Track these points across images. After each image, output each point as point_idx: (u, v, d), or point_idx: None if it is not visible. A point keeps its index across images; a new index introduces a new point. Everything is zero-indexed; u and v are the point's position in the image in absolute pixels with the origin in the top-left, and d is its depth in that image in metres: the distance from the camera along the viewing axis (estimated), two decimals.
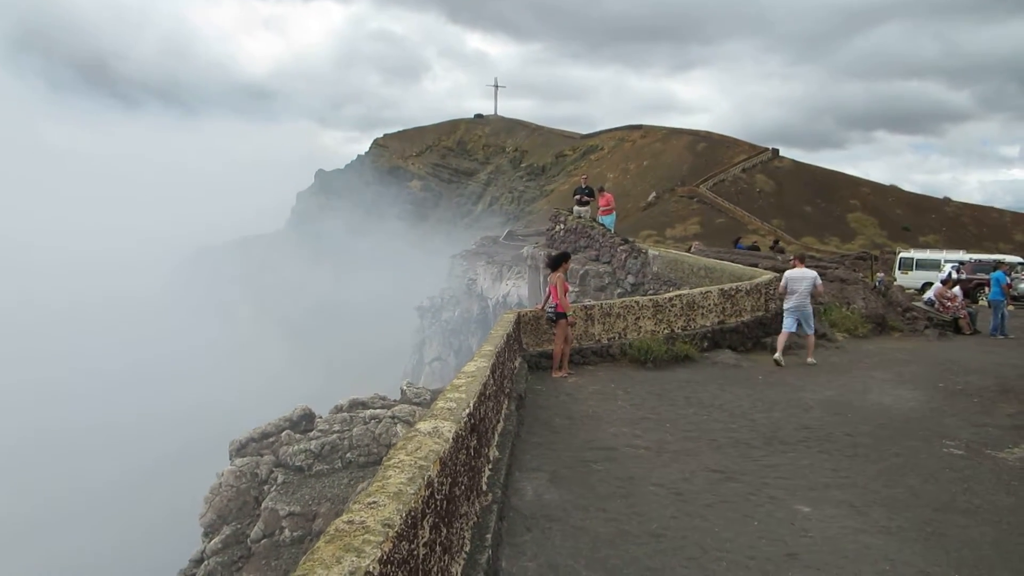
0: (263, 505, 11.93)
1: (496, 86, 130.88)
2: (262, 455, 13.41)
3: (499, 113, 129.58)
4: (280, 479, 12.38)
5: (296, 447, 12.93)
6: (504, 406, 7.72)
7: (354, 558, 2.34)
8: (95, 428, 52.76)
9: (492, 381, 6.24)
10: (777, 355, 12.62)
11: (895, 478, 6.72)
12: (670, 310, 12.95)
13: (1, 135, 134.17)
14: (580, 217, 25.77)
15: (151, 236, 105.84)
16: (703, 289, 13.92)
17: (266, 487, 12.40)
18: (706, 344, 13.00)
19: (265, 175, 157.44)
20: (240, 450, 13.87)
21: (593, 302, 14.43)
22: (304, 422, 14.28)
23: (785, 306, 12.95)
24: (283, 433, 13.60)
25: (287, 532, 11.30)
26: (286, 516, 11.40)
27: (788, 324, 12.91)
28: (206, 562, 11.90)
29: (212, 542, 12.17)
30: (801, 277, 12.88)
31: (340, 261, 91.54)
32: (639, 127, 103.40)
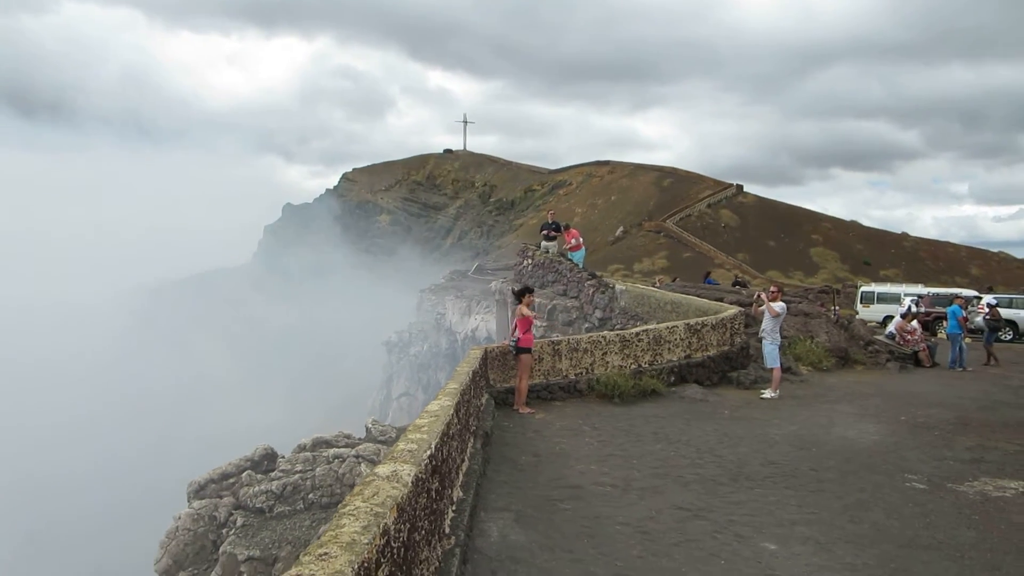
0: (221, 549, 11.52)
1: (465, 122, 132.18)
2: (221, 497, 12.99)
3: (467, 148, 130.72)
4: (240, 522, 11.98)
5: (257, 488, 12.56)
6: (469, 444, 7.60)
7: None
8: (52, 473, 50.87)
9: (456, 420, 6.14)
10: (774, 393, 12.72)
11: (860, 513, 6.73)
12: (637, 345, 12.97)
13: None
14: (547, 252, 25.92)
15: (109, 270, 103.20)
16: (669, 324, 14.00)
17: (224, 530, 11.99)
18: (673, 379, 13.03)
19: (229, 209, 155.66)
20: (199, 492, 13.44)
21: (561, 337, 14.40)
22: (266, 462, 13.91)
23: (775, 337, 13.00)
24: (244, 474, 13.21)
25: None
26: (245, 561, 11.02)
27: (780, 359, 13.06)
28: None
29: None
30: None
31: (307, 295, 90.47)
32: (606, 163, 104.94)
